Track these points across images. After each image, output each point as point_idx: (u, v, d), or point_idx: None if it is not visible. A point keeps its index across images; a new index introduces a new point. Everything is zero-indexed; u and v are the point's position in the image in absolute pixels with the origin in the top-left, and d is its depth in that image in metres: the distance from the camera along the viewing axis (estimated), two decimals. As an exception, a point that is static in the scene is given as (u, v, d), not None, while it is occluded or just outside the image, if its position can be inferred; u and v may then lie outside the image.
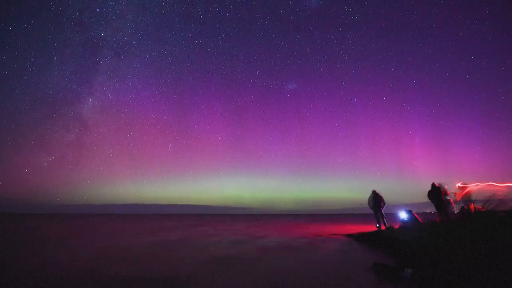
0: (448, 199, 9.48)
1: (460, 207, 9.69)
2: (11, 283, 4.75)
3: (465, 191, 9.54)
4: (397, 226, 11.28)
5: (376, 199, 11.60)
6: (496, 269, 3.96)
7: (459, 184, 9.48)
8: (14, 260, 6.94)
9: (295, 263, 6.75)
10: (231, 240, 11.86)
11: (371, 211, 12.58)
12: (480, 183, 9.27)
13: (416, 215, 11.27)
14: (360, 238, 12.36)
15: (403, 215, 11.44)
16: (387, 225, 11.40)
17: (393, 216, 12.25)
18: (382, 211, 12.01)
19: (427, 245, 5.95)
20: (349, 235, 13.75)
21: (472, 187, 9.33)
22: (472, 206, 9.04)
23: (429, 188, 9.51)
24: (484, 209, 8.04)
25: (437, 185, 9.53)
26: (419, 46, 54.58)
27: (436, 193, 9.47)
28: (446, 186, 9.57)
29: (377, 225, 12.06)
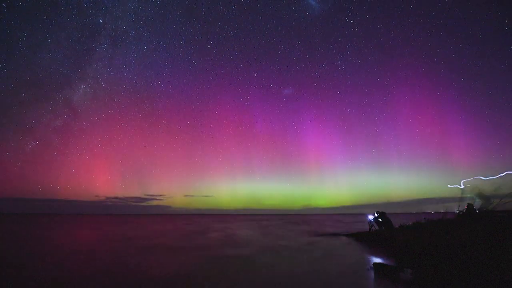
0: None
1: (459, 206, 9.76)
2: None
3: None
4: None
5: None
6: (496, 269, 3.96)
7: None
8: None
9: (296, 262, 6.77)
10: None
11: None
12: None
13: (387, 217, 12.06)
14: (360, 238, 12.39)
15: (371, 217, 12.43)
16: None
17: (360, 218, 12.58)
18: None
19: (427, 245, 5.95)
20: (350, 235, 13.78)
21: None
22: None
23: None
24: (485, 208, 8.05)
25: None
26: (414, 63, 55.85)
27: None
28: None
29: None
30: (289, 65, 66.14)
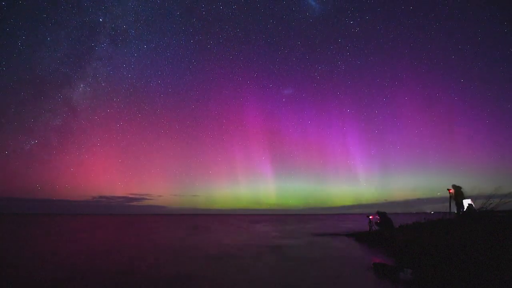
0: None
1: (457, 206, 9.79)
2: None
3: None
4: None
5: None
6: (496, 269, 3.97)
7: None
8: None
9: (296, 261, 6.79)
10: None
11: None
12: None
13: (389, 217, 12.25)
14: (360, 238, 12.41)
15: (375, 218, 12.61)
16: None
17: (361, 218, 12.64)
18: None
19: (427, 245, 5.95)
20: (350, 235, 13.79)
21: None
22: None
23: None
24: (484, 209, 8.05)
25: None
26: (414, 65, 56.02)
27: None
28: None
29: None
30: (289, 65, 66.21)
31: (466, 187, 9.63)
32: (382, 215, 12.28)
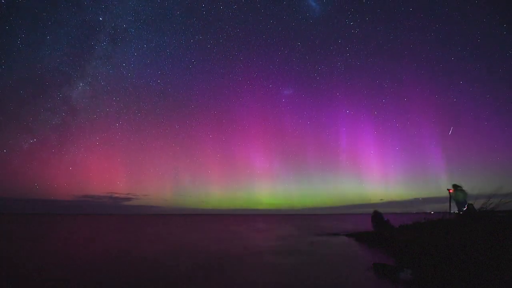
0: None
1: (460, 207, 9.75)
2: None
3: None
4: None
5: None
6: (496, 269, 3.96)
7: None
8: None
9: (296, 261, 6.77)
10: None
11: None
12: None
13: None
14: (360, 238, 12.41)
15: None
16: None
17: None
18: None
19: (427, 245, 5.95)
20: (350, 235, 13.79)
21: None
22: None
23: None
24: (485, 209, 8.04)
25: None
26: (413, 66, 57.32)
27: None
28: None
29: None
30: (289, 65, 66.75)
31: (466, 187, 9.62)
32: (377, 215, 12.42)
